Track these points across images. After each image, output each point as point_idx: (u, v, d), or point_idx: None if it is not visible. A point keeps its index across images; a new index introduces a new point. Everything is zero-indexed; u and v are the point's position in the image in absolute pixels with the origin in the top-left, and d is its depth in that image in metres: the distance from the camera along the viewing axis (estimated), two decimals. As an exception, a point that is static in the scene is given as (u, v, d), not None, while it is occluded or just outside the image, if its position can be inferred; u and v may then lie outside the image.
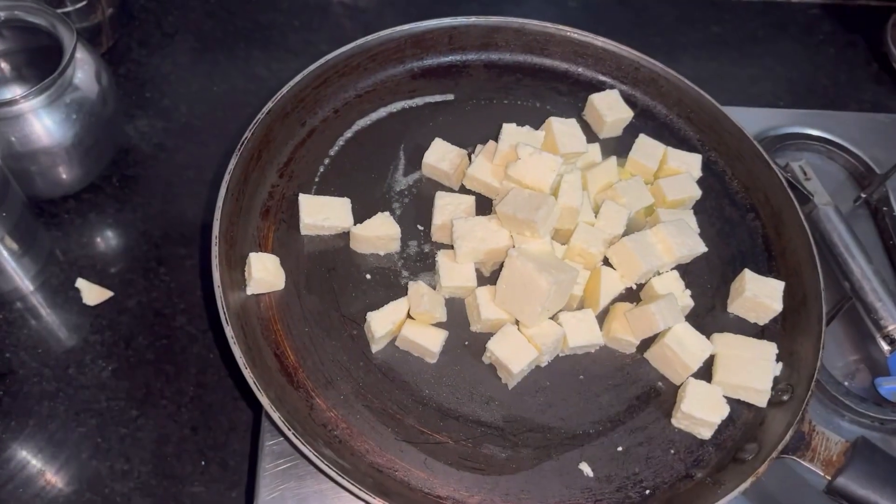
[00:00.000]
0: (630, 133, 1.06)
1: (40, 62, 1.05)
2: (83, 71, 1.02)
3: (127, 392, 0.98)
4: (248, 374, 0.76)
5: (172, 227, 1.12)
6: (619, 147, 1.06)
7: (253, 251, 0.89)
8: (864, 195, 1.15)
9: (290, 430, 0.74)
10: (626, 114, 1.05)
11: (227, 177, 0.88)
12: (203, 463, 0.95)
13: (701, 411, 0.82)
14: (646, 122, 1.10)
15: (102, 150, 1.09)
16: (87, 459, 0.93)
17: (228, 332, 0.79)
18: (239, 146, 0.91)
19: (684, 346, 0.85)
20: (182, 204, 1.15)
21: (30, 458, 0.93)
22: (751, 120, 1.11)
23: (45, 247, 1.06)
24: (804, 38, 1.49)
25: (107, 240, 1.11)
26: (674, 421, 0.85)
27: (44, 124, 0.98)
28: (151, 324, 1.03)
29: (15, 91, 1.11)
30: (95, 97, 1.03)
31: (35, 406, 0.96)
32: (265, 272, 0.86)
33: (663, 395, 0.88)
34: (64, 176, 1.06)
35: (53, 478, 0.92)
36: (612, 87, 1.11)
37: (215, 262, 0.82)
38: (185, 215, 1.13)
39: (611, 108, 1.05)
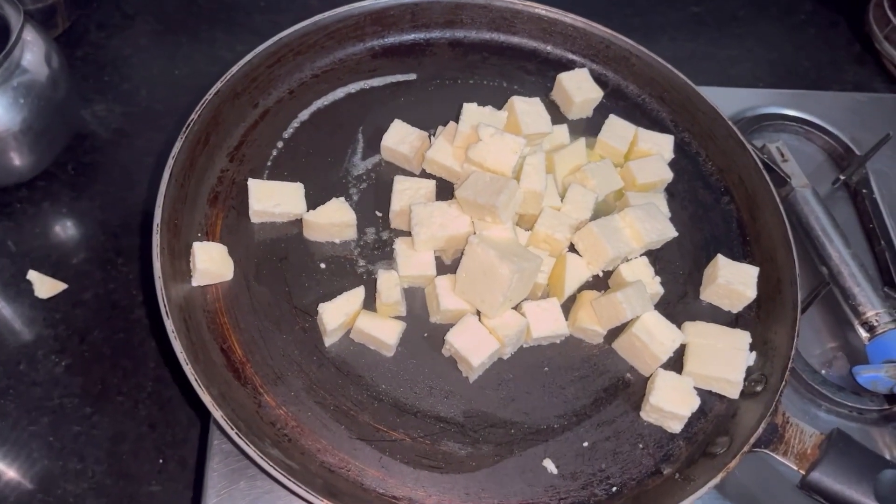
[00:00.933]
0: (600, 114, 1.02)
1: (-14, 45, 1.01)
2: (32, 53, 0.98)
3: (81, 388, 0.95)
4: (188, 370, 0.72)
5: (132, 215, 1.08)
6: (588, 128, 1.03)
7: (200, 240, 0.85)
8: (842, 177, 1.12)
9: (233, 429, 0.70)
10: (596, 93, 1.02)
11: (170, 161, 0.84)
12: (161, 461, 0.92)
13: (670, 404, 0.79)
14: (617, 102, 1.06)
15: (55, 135, 1.05)
16: (38, 459, 0.90)
17: (169, 325, 0.75)
18: (184, 128, 0.87)
19: (653, 336, 0.82)
20: (142, 192, 1.11)
21: (-21, 459, 0.89)
22: (727, 100, 1.08)
23: (-6, 237, 1.02)
24: (785, 18, 1.47)
25: (62, 229, 1.07)
26: (642, 414, 0.82)
27: (-10, 108, 0.94)
28: (108, 317, 1.00)
29: (-41, 74, 1.07)
30: (45, 80, 0.99)
31: (-16, 404, 0.92)
32: (210, 262, 0.82)
33: (632, 387, 0.85)
34: (15, 162, 1.02)
35: (5, 479, 0.89)
36: (581, 65, 1.07)
37: (156, 251, 0.78)
38: (145, 204, 1.10)
39: (580, 88, 1.01)
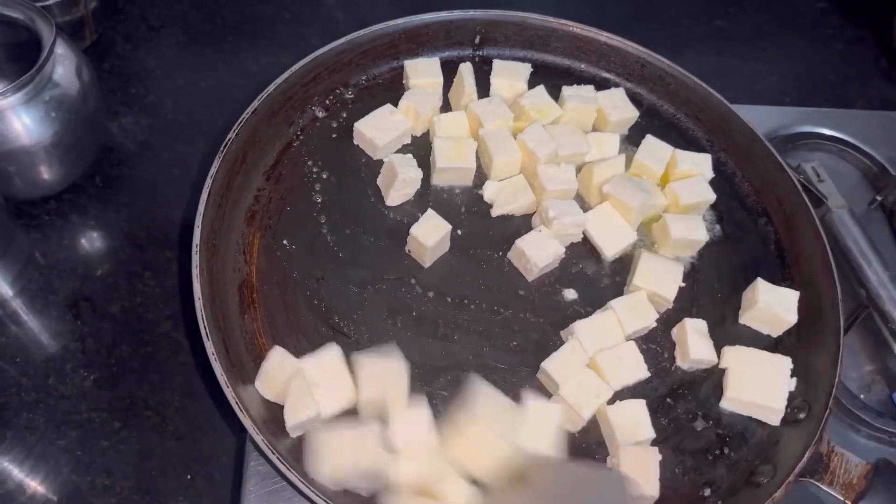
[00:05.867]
0: (635, 134, 1.02)
1: (19, 57, 1.00)
2: (63, 66, 0.98)
3: (109, 402, 0.94)
4: (229, 393, 0.72)
5: (158, 228, 1.08)
6: (623, 149, 1.02)
7: (237, 259, 0.85)
8: (879, 197, 1.11)
9: (274, 453, 0.69)
10: (632, 113, 1.01)
11: (208, 181, 0.83)
12: (189, 477, 0.91)
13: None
14: (652, 121, 1.05)
15: (84, 148, 1.05)
16: (67, 474, 0.89)
17: (209, 347, 0.74)
18: (222, 148, 0.86)
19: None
20: (168, 205, 1.10)
21: (7, 473, 0.89)
22: (759, 119, 1.06)
23: (23, 250, 1.01)
24: (811, 33, 1.45)
25: (89, 242, 1.06)
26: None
27: (22, 122, 0.93)
28: (135, 330, 0.99)
29: (-8, 87, 1.06)
30: (76, 94, 0.99)
31: (13, 418, 0.91)
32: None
33: (674, 412, 0.84)
34: (44, 176, 1.02)
35: (32, 493, 0.88)
36: (616, 84, 1.07)
37: (195, 272, 0.77)
38: (171, 216, 1.09)
39: (616, 107, 1.00)
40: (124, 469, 0.90)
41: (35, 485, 0.89)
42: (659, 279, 0.87)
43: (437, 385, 0.83)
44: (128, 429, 0.93)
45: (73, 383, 0.95)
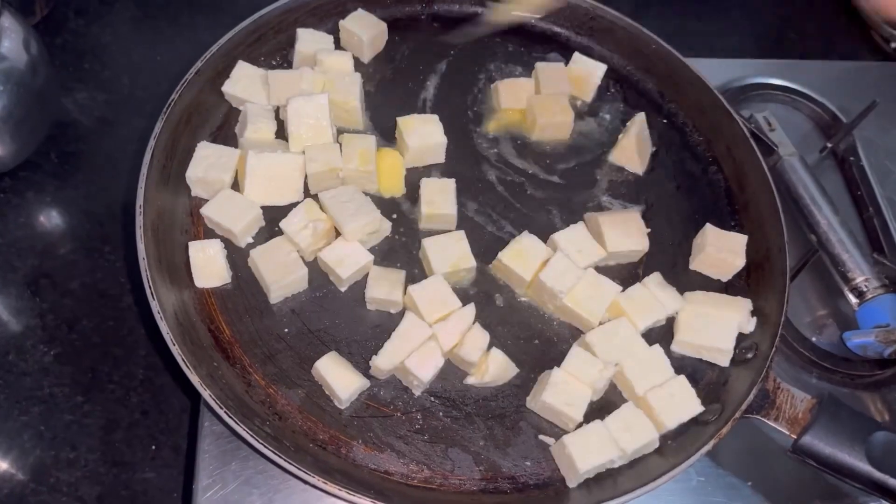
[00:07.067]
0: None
1: (-37, 32, 0.99)
2: (10, 40, 0.97)
3: (71, 377, 0.94)
4: (175, 350, 0.72)
5: (117, 204, 1.07)
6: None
7: (185, 221, 0.85)
8: (830, 145, 1.12)
9: (221, 408, 0.70)
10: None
11: (151, 142, 0.83)
12: (154, 448, 0.92)
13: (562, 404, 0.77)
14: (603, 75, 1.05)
15: (36, 123, 1.04)
16: (30, 449, 0.90)
17: (154, 307, 0.74)
18: (165, 109, 0.86)
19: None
20: (127, 179, 1.09)
21: (-31, 451, 0.89)
22: (714, 71, 1.07)
23: (-21, 229, 1.01)
24: (773, -11, 1.45)
25: (48, 219, 1.06)
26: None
27: (-32, 97, 0.92)
28: (97, 305, 0.99)
29: (-64, 63, 1.05)
30: (24, 67, 0.98)
31: (-27, 396, 0.91)
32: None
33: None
34: (-4, 152, 1.01)
35: (-5, 469, 0.88)
36: (567, 38, 1.07)
37: (139, 232, 0.78)
38: (131, 191, 1.06)
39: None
40: (89, 442, 0.91)
41: (-1, 462, 0.88)
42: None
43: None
44: (91, 402, 0.93)
45: (34, 359, 0.94)
